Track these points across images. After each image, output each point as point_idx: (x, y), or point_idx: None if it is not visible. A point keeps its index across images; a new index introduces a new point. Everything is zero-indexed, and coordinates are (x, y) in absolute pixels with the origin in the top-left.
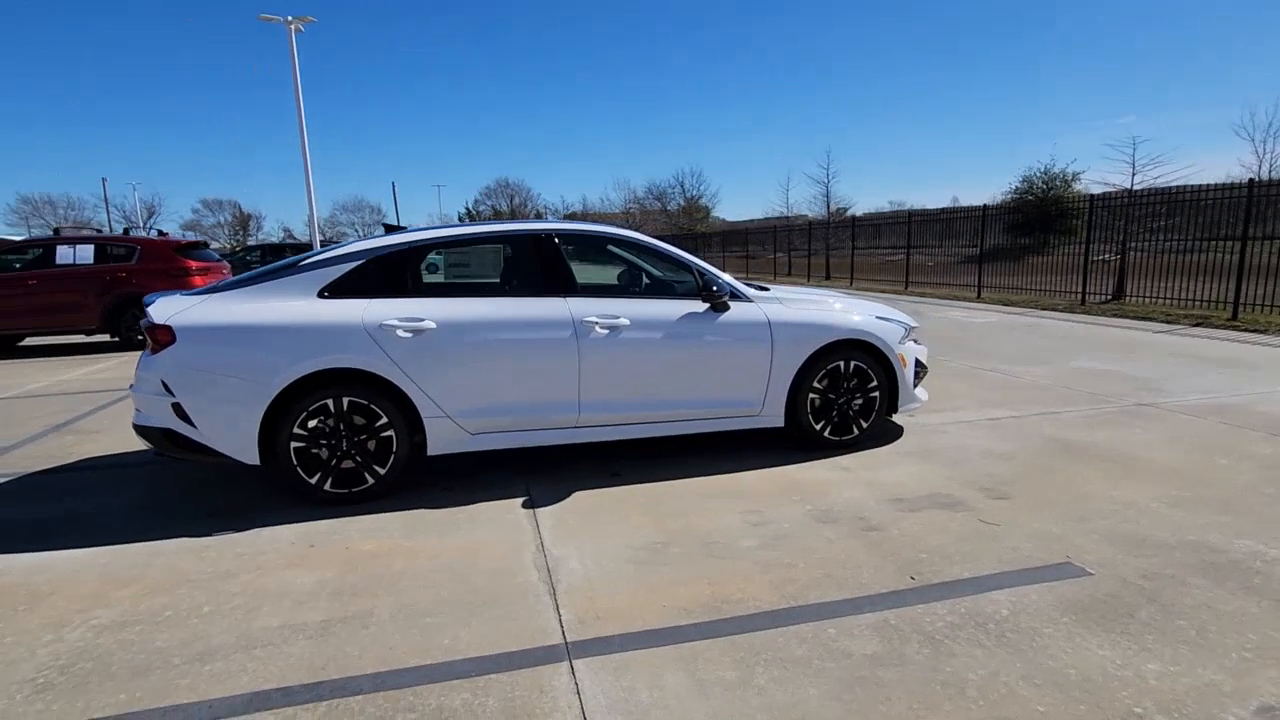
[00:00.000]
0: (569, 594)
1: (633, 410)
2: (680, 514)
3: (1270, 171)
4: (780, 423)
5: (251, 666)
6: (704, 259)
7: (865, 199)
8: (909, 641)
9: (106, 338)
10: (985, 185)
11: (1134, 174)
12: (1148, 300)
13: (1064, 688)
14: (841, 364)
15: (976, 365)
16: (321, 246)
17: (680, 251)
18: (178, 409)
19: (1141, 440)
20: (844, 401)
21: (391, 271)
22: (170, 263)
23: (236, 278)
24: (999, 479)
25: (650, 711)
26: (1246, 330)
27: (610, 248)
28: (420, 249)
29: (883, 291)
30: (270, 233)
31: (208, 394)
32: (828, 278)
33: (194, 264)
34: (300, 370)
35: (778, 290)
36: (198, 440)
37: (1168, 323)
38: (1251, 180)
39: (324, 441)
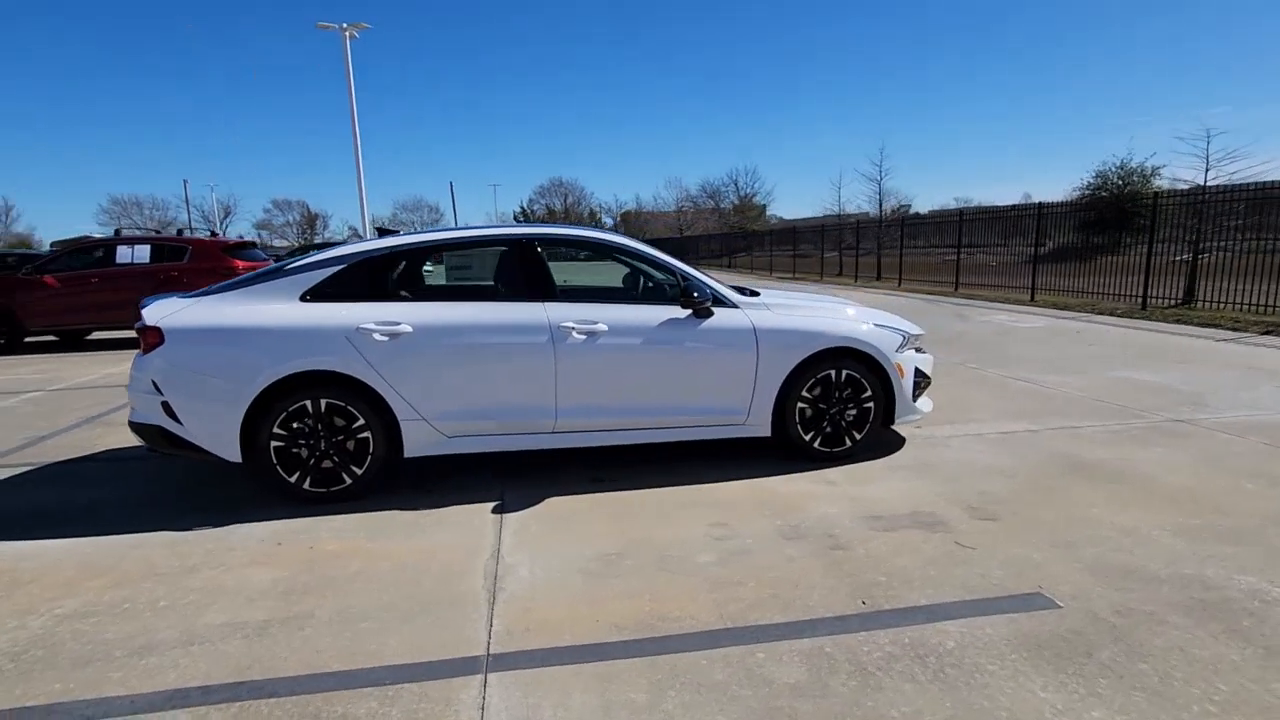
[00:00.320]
0: (508, 604)
1: (612, 416)
2: (647, 524)
3: None
4: (767, 432)
5: (184, 663)
6: (752, 258)
7: (930, 195)
8: (838, 672)
9: None
10: (1063, 181)
11: (1207, 169)
12: (1218, 305)
13: None
14: (833, 373)
15: (1007, 374)
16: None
17: (663, 255)
18: (166, 407)
19: (1163, 460)
20: (836, 412)
21: (371, 276)
22: (219, 262)
23: (229, 280)
24: (992, 498)
25: None
26: None
27: (592, 252)
28: (400, 254)
29: (930, 293)
30: (337, 231)
31: (193, 393)
32: (878, 278)
33: (241, 264)
34: (279, 372)
35: (769, 295)
36: (185, 438)
37: (1234, 330)
38: None
39: (303, 441)
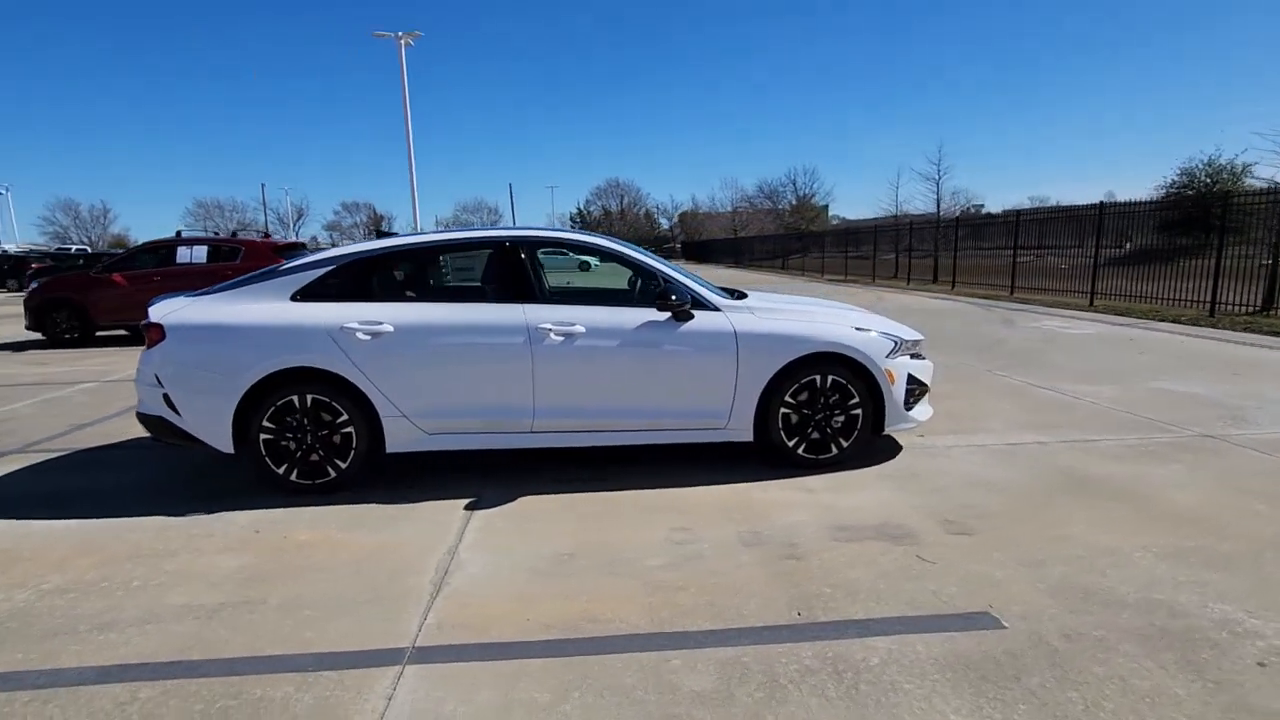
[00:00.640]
0: (448, 599)
1: (589, 418)
2: (612, 526)
3: None
4: (749, 437)
5: (137, 640)
6: (804, 260)
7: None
8: (748, 682)
9: None
10: (1150, 178)
11: None
12: None
13: None
14: (818, 378)
15: (1036, 382)
16: None
17: (645, 257)
18: (167, 399)
19: (1175, 478)
20: (822, 418)
21: (358, 277)
22: (270, 261)
23: (231, 280)
24: (975, 512)
25: None
26: None
27: (572, 253)
28: (386, 256)
29: (984, 296)
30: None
31: (190, 386)
32: (935, 280)
33: None
34: (267, 368)
35: (757, 298)
36: (184, 428)
37: None
38: None
39: (290, 435)
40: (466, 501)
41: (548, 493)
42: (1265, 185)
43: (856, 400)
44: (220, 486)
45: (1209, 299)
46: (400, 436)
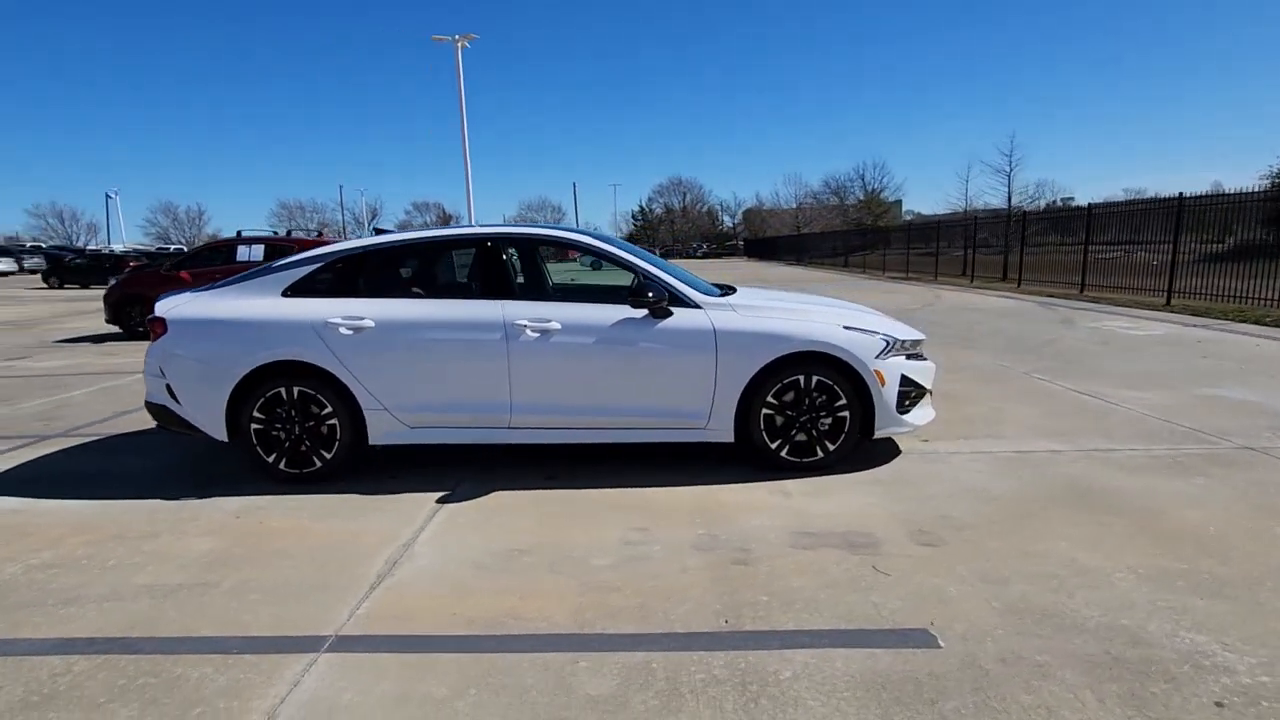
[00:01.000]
0: (387, 590)
1: (566, 415)
2: (572, 524)
3: None
4: (730, 438)
5: (92, 616)
6: (865, 257)
7: (1094, 186)
8: (648, 689)
9: None
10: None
11: None
12: None
13: None
14: (802, 378)
15: (1074, 387)
16: None
17: (624, 253)
18: (169, 389)
19: (1191, 493)
20: (807, 420)
21: (345, 273)
22: None
23: (231, 276)
24: (952, 522)
25: (334, 714)
26: None
27: (555, 249)
28: (371, 253)
29: (1050, 295)
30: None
31: (189, 377)
32: (1003, 277)
33: None
34: (256, 360)
35: (745, 295)
36: (184, 417)
37: None
38: None
39: (279, 426)
40: (440, 494)
41: (519, 489)
42: None
43: (844, 402)
44: (220, 472)
45: None
46: (382, 429)
